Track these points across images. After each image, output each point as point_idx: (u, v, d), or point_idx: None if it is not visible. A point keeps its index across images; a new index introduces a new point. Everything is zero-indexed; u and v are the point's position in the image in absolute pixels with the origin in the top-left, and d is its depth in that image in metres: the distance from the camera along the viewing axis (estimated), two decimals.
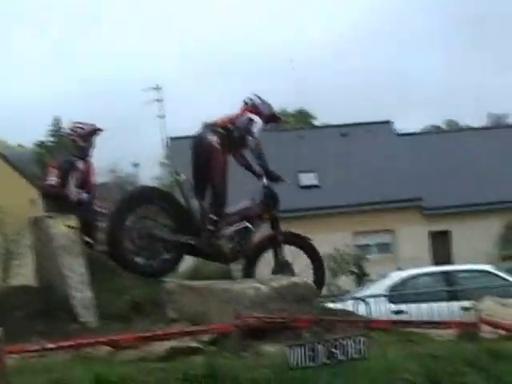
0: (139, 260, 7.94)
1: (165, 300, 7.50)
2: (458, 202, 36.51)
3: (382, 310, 12.38)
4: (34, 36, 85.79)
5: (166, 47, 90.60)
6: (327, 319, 7.08)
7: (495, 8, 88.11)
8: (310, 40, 79.86)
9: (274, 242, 8.45)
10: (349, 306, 11.60)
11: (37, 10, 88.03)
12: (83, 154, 9.52)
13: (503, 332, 7.92)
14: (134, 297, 7.86)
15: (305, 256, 8.57)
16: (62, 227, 7.77)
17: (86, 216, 8.87)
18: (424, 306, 12.13)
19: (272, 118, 8.83)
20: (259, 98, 8.65)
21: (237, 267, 8.93)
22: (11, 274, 30.48)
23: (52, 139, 51.42)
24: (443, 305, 11.98)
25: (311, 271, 8.65)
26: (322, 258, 8.87)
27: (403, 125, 46.86)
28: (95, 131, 9.57)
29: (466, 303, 10.94)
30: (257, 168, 8.40)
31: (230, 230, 8.18)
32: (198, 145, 8.23)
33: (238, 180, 9.41)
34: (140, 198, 8.24)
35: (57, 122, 52.49)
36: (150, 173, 61.72)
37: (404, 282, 14.84)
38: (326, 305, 8.21)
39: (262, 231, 8.51)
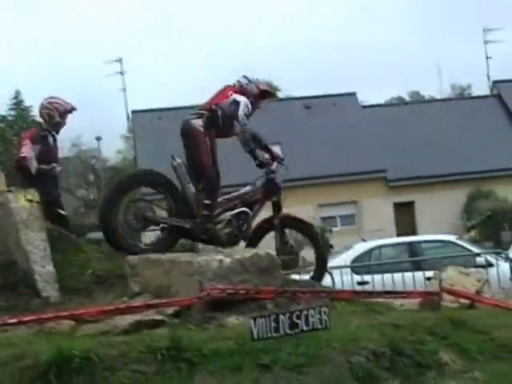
0: (132, 242, 7.87)
1: (128, 273, 7.47)
2: (421, 174, 36.86)
3: (346, 281, 12.48)
4: None
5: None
6: (290, 290, 7.11)
7: None
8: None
9: (271, 226, 8.44)
10: None
11: None
12: (56, 129, 9.63)
13: (464, 301, 8.05)
14: (96, 271, 7.84)
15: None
16: (23, 201, 7.69)
17: (54, 189, 9.04)
18: (388, 276, 12.23)
19: (263, 95, 8.52)
20: (246, 77, 8.41)
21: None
22: None
23: (13, 113, 50.57)
24: (407, 275, 12.07)
25: (314, 261, 8.89)
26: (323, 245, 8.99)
27: (367, 97, 47.06)
28: (72, 109, 9.65)
29: (430, 273, 11.07)
30: (257, 153, 8.18)
31: (227, 215, 8.14)
32: (183, 130, 8.07)
33: (242, 164, 9.25)
34: (135, 180, 8.17)
35: (17, 96, 51.67)
36: (113, 146, 61.56)
37: (368, 253, 14.98)
38: (290, 276, 8.22)
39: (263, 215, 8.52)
